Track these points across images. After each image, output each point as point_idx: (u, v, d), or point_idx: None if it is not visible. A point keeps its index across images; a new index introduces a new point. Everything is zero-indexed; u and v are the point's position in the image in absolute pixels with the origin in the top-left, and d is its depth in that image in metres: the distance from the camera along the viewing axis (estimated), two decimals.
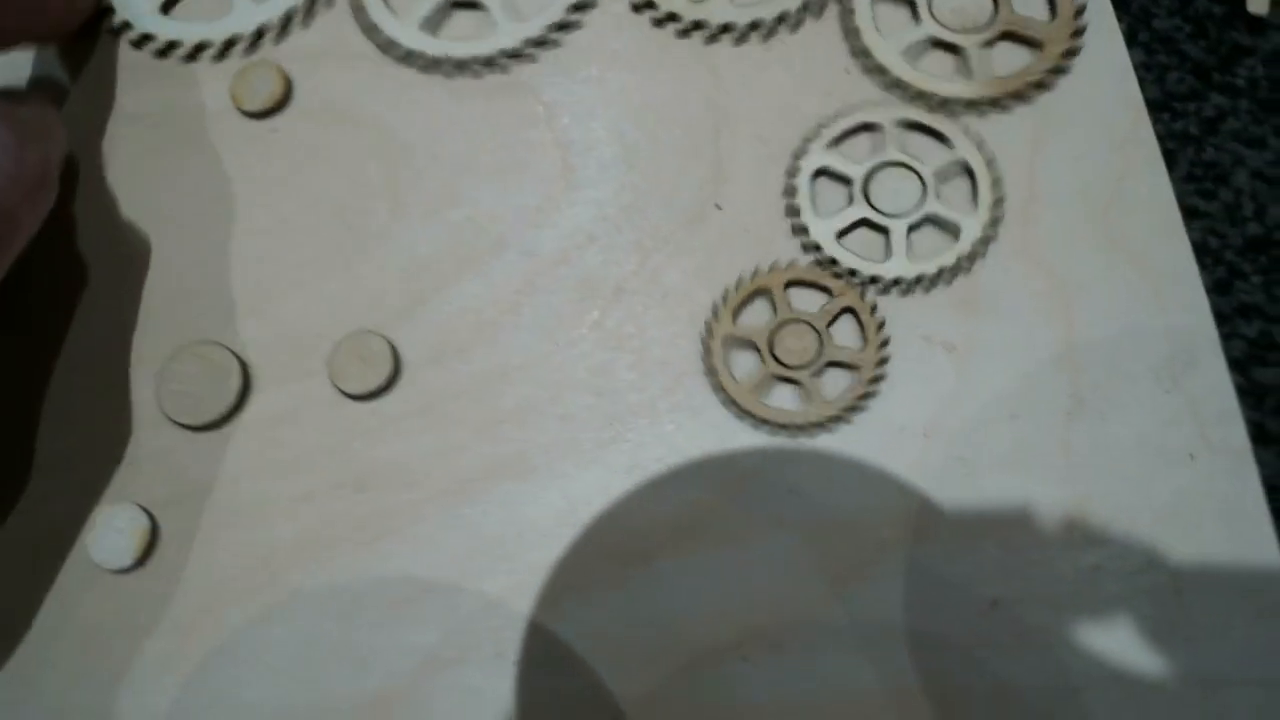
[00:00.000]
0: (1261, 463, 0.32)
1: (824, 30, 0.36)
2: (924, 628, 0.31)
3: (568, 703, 0.31)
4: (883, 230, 0.33)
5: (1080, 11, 0.35)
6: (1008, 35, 0.35)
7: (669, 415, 0.33)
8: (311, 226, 0.35)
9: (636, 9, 0.36)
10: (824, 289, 0.33)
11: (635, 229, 0.34)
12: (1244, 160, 0.34)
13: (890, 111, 0.34)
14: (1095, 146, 0.34)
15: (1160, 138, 0.35)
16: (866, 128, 0.34)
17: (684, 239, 0.34)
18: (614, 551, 0.32)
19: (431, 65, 0.36)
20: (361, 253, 0.35)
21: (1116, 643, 0.30)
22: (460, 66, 0.36)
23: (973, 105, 0.34)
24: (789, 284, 0.33)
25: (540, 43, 0.36)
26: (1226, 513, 0.31)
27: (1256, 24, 0.36)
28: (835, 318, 0.33)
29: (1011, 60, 0.35)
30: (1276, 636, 0.30)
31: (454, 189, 0.35)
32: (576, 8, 0.36)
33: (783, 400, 0.33)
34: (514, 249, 0.34)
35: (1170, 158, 0.34)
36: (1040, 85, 0.34)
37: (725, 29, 0.35)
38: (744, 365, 0.33)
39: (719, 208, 0.34)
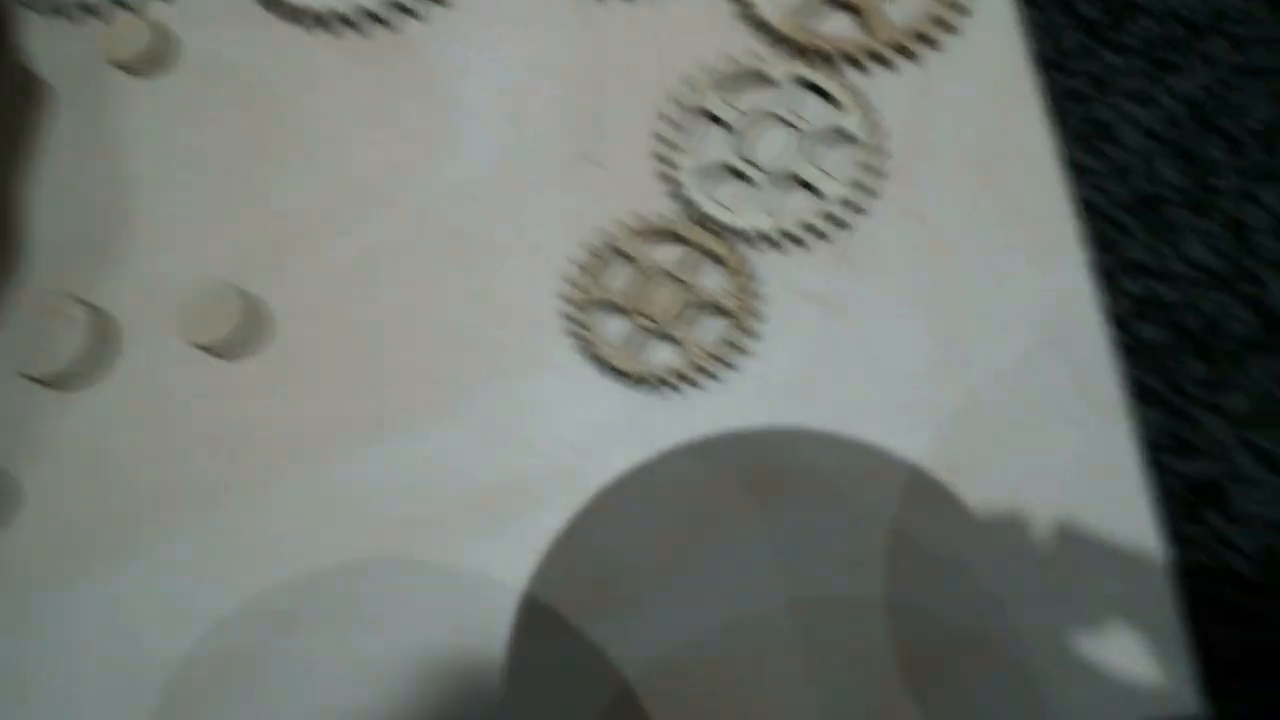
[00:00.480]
0: (1144, 421, 0.31)
1: None
2: (796, 591, 0.30)
3: (429, 666, 0.30)
4: (754, 182, 0.33)
5: None
6: None
7: (535, 371, 0.32)
8: (182, 181, 0.34)
9: None
10: (688, 240, 0.32)
11: (510, 186, 0.34)
12: (1135, 119, 0.33)
13: (775, 66, 0.33)
14: (981, 103, 0.33)
15: (1051, 95, 0.34)
16: (750, 79, 0.34)
17: (559, 195, 0.33)
18: (475, 509, 0.31)
19: (318, 22, 0.35)
20: (232, 207, 0.34)
21: (983, 603, 0.29)
22: (346, 23, 0.35)
23: (859, 62, 0.33)
24: (654, 236, 0.32)
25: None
26: (1101, 469, 0.30)
27: None
28: (702, 268, 0.32)
29: (902, 17, 0.34)
30: (1145, 593, 0.29)
31: (331, 145, 0.34)
32: None
33: (652, 354, 0.32)
34: (387, 204, 0.34)
35: (1060, 115, 0.33)
36: (929, 42, 0.34)
37: None
38: (613, 323, 0.32)
39: (596, 164, 0.34)
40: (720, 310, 0.32)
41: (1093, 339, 0.31)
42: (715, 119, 0.33)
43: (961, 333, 0.31)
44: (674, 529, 0.30)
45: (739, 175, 0.33)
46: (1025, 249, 0.32)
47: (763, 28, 0.34)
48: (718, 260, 0.32)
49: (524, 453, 0.31)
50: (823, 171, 0.32)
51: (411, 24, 0.35)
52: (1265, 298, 0.33)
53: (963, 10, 0.34)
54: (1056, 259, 0.32)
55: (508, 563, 0.30)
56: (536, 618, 0.30)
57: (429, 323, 0.33)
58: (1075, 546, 0.30)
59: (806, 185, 0.32)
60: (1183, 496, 0.31)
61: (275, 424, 0.32)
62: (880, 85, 0.34)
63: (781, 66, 0.33)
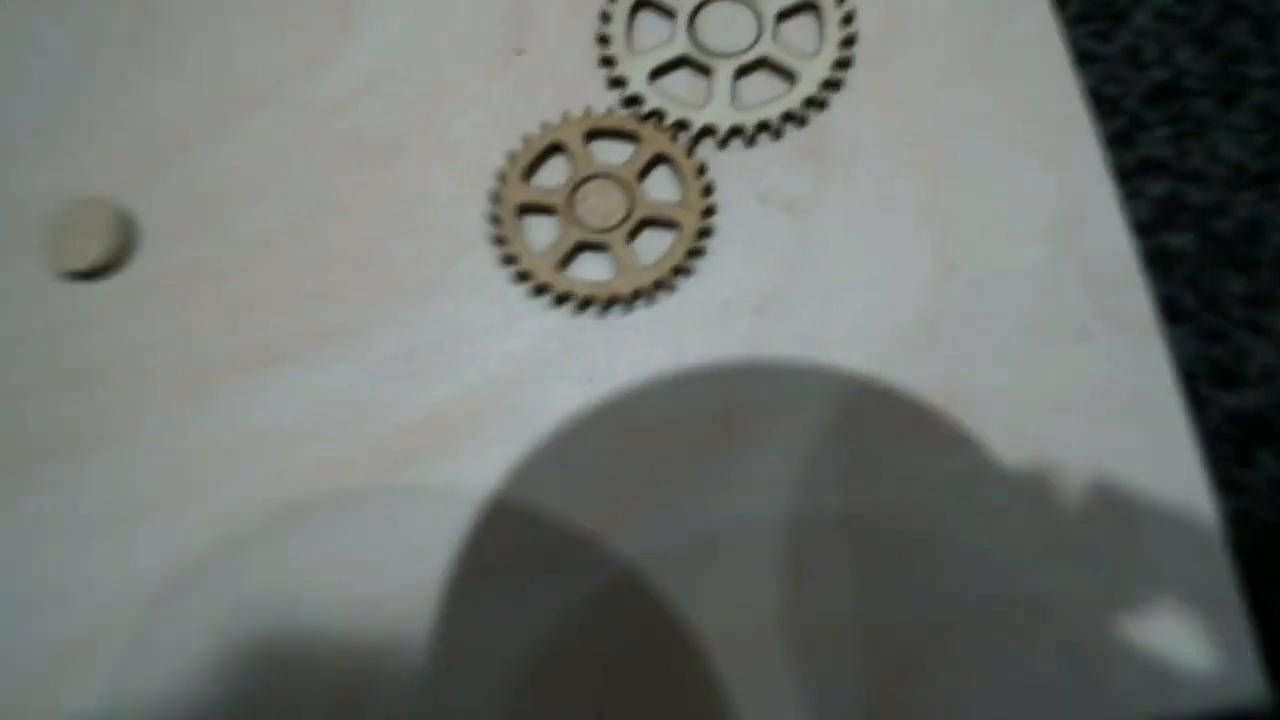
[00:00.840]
0: (1178, 346, 0.26)
1: None
2: (772, 543, 0.24)
3: (299, 648, 0.24)
4: (706, 71, 0.28)
5: None
6: None
7: (449, 293, 0.27)
8: (38, 82, 0.29)
9: None
10: (631, 136, 0.27)
11: (421, 78, 0.29)
12: None
13: None
14: None
15: None
16: None
17: (478, 89, 0.28)
18: (377, 454, 0.25)
19: None
20: (98, 110, 0.29)
21: (995, 568, 0.24)
22: None
23: None
24: (591, 134, 0.27)
25: None
26: (1130, 402, 0.25)
27: None
28: (646, 170, 0.27)
29: None
30: (1192, 556, 0.24)
31: (211, 35, 0.29)
32: None
33: (591, 270, 0.27)
34: (277, 103, 0.29)
35: None
36: None
37: None
38: (542, 232, 0.27)
39: (520, 53, 0.29)
40: (670, 221, 0.26)
41: (1114, 250, 0.26)
42: (659, 7, 0.28)
43: (957, 244, 0.26)
44: (625, 479, 0.25)
45: (690, 64, 0.28)
46: (1028, 145, 0.27)
47: None
48: (668, 162, 0.27)
49: (445, 386, 0.26)
50: (786, 54, 0.27)
51: None
52: None
53: None
54: (1066, 157, 0.27)
55: (429, 517, 0.25)
56: (467, 579, 0.24)
57: (329, 238, 0.27)
58: (1106, 498, 0.24)
59: (776, 67, 0.27)
60: (1229, 435, 0.26)
61: (150, 356, 0.27)
62: None
63: None
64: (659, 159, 0.27)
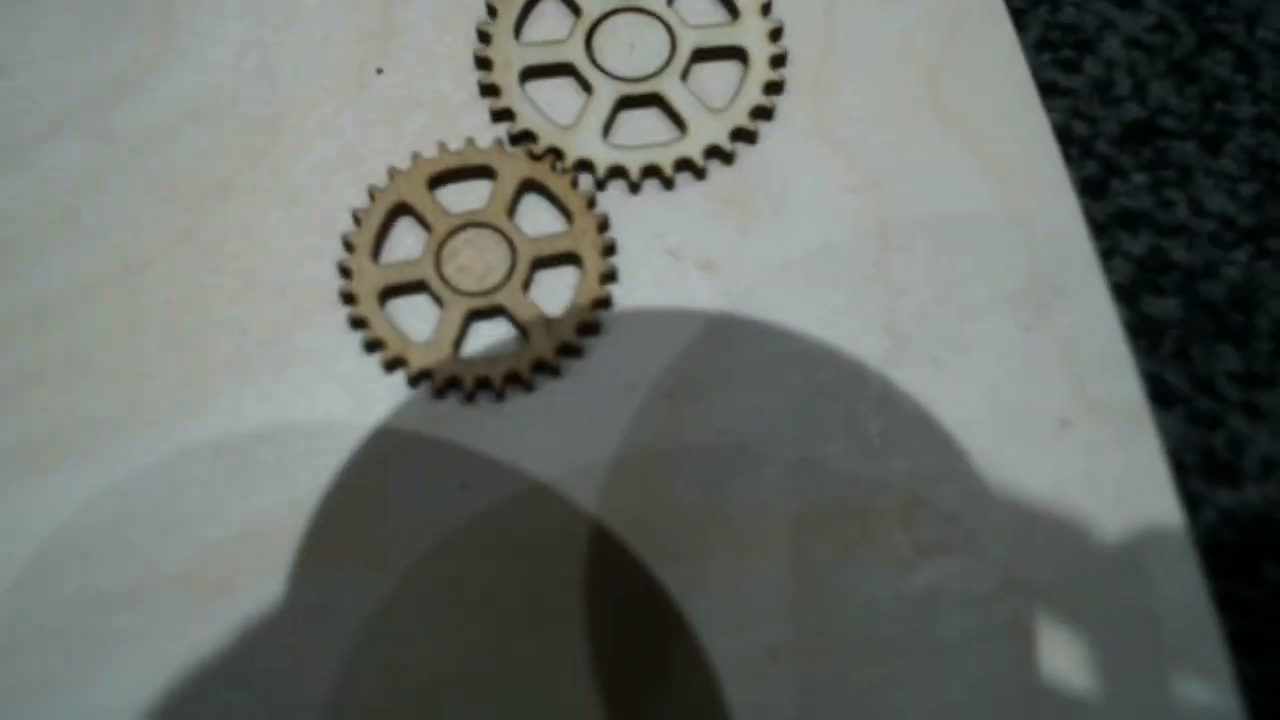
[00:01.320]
0: (1162, 429, 0.22)
1: None
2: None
3: None
4: (587, 89, 0.23)
5: None
6: None
7: (287, 369, 0.21)
8: None
9: None
10: (487, 172, 0.22)
11: (257, 102, 0.23)
12: (1114, 23, 0.25)
13: None
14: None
15: None
16: None
17: (328, 116, 0.23)
18: (185, 580, 0.20)
19: None
20: None
21: (958, 710, 0.19)
22: None
23: None
24: (437, 180, 0.22)
25: None
26: (1117, 501, 0.21)
27: None
28: (515, 201, 0.22)
29: None
30: (1196, 689, 0.19)
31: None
32: None
33: (489, 342, 0.21)
34: (77, 132, 0.23)
35: (1018, 19, 0.24)
36: None
37: None
38: (412, 306, 0.22)
39: (379, 71, 0.23)
40: (568, 256, 0.21)
41: (1095, 321, 0.22)
42: (568, 1, 0.23)
43: (910, 314, 0.22)
44: (500, 622, 0.20)
45: (583, 84, 0.23)
46: (992, 193, 0.23)
47: None
48: (541, 192, 0.22)
49: (273, 492, 0.20)
50: (693, 95, 0.23)
51: None
52: None
53: None
54: (1036, 207, 0.23)
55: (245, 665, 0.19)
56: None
57: (134, 300, 0.22)
58: (1092, 624, 0.20)
59: (668, 105, 0.23)
60: (1226, 540, 0.22)
61: None
62: None
63: None
64: (529, 187, 0.22)
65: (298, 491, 0.20)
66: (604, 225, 0.21)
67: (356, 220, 0.22)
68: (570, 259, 0.21)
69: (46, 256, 0.22)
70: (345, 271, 0.21)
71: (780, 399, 0.21)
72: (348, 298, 0.21)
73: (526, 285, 0.21)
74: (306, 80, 0.23)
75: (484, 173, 0.22)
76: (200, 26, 0.24)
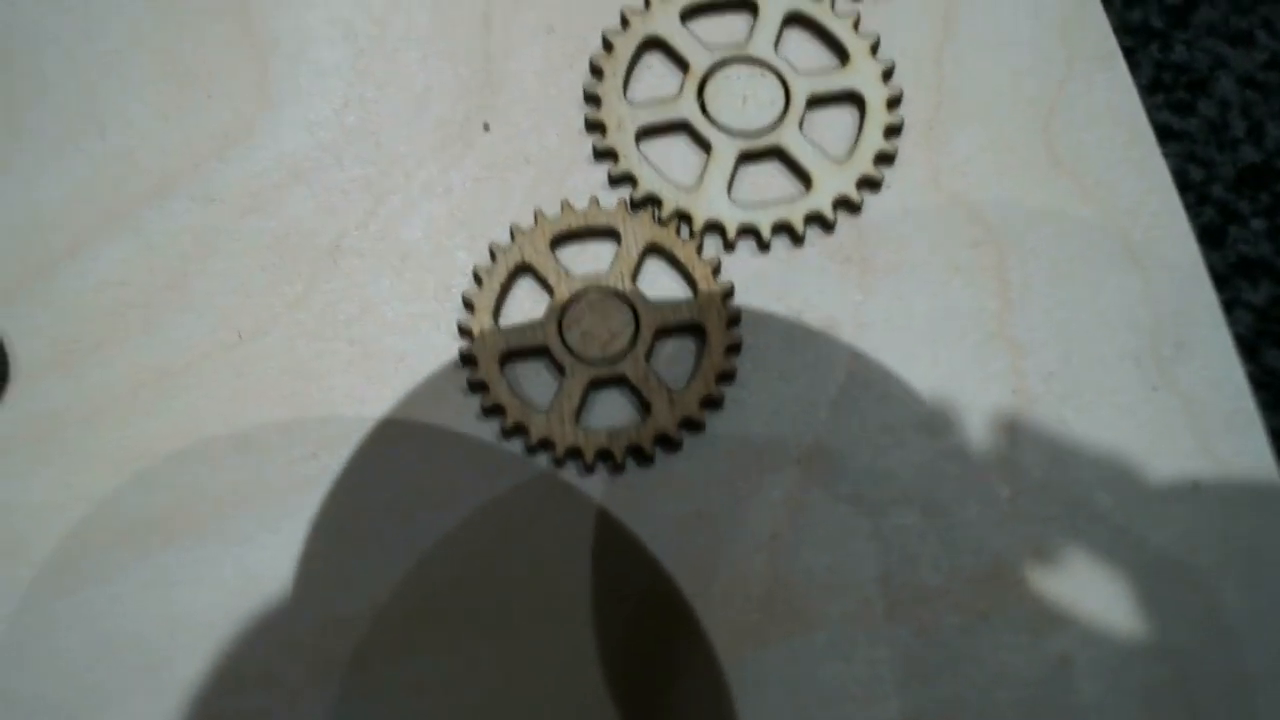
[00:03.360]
0: None
1: None
2: None
3: None
4: (705, 147, 0.22)
5: None
6: None
7: (408, 438, 0.21)
8: None
9: None
10: (610, 233, 0.22)
11: (364, 161, 0.23)
12: (1226, 61, 0.24)
13: None
14: (1027, 33, 0.24)
15: (1114, 32, 0.25)
16: (720, 5, 0.24)
17: (435, 174, 0.23)
18: (317, 653, 0.20)
19: None
20: None
21: None
22: None
23: None
24: (563, 238, 0.22)
25: None
26: (1248, 565, 0.20)
27: None
28: (640, 265, 0.22)
29: None
30: None
31: (98, 108, 0.23)
32: None
33: (609, 410, 0.21)
34: (183, 194, 0.23)
35: (1128, 58, 0.24)
36: None
37: None
38: (532, 371, 0.21)
39: (487, 128, 0.23)
40: (691, 327, 0.21)
41: (1221, 376, 0.22)
42: (672, 56, 0.23)
43: (1033, 372, 0.22)
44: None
45: (699, 141, 0.22)
46: (1110, 243, 0.22)
47: None
48: (666, 257, 0.22)
49: (391, 565, 0.20)
50: (813, 145, 0.22)
51: None
52: None
53: None
54: (1156, 257, 0.22)
55: None
56: None
57: (249, 367, 0.21)
58: (1237, 693, 0.20)
59: (793, 161, 0.22)
60: None
61: (17, 526, 0.21)
62: (891, 12, 0.24)
63: None
64: (653, 251, 0.22)
65: (422, 561, 0.20)
66: (729, 294, 0.21)
67: (478, 279, 0.21)
68: (694, 329, 0.21)
69: (155, 326, 0.22)
70: (465, 332, 0.21)
71: (909, 464, 0.21)
72: (467, 359, 0.21)
73: (650, 354, 0.21)
74: (410, 137, 0.23)
75: (607, 234, 0.22)
76: (299, 83, 0.23)
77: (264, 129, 0.23)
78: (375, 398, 0.21)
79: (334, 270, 0.22)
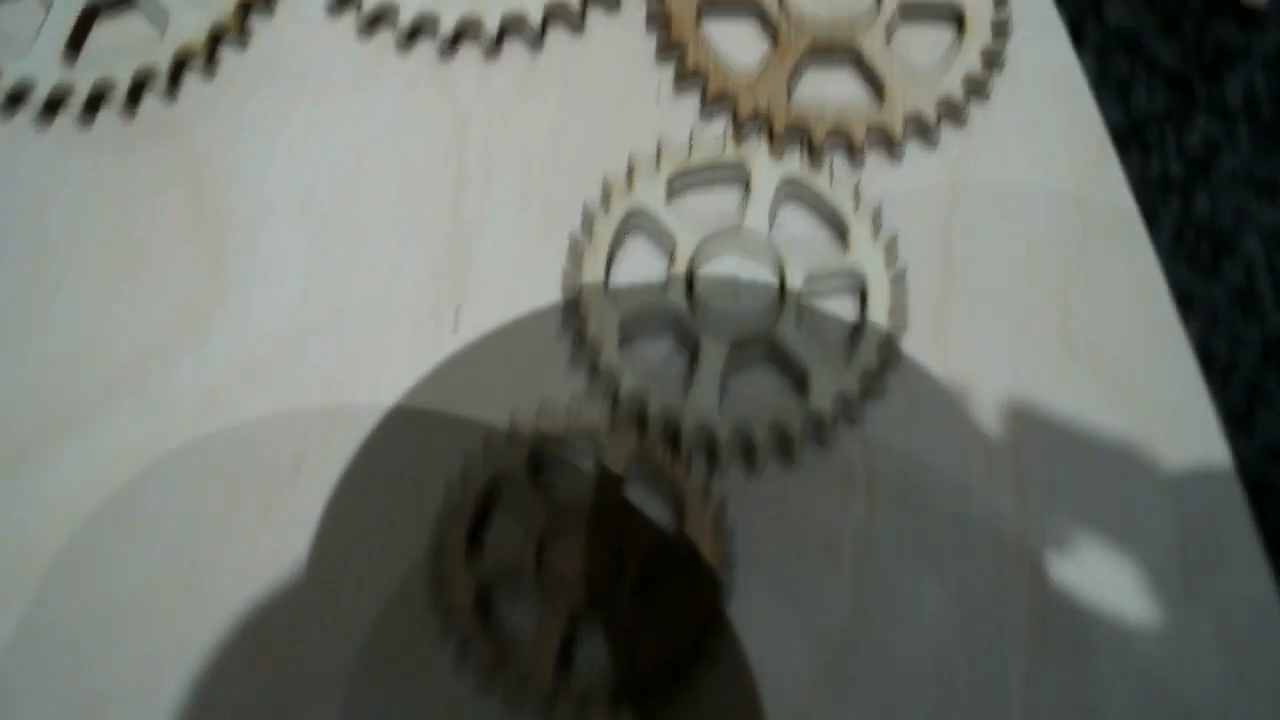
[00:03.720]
0: None
1: (625, 27, 0.23)
2: None
3: None
4: (691, 348, 0.21)
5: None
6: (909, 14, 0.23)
7: (384, 681, 0.20)
8: None
9: (334, 8, 0.23)
10: (592, 449, 0.20)
11: (326, 358, 0.21)
12: (1251, 214, 0.23)
13: (748, 156, 0.22)
14: (1038, 200, 0.22)
15: (1130, 185, 0.23)
16: (707, 174, 0.22)
17: (403, 374, 0.21)
18: None
19: (11, 103, 0.22)
20: None
21: None
22: (91, 105, 0.22)
23: (856, 148, 0.22)
24: (537, 459, 0.20)
25: (181, 63, 0.22)
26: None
27: (1248, 16, 0.24)
28: (623, 488, 0.20)
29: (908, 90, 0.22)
30: None
31: (43, 298, 0.21)
32: (242, 10, 0.23)
33: (593, 652, 0.20)
34: (135, 396, 0.21)
35: (1145, 214, 0.22)
36: (952, 112, 0.22)
37: (464, 32, 0.22)
38: (510, 606, 0.20)
39: (458, 316, 0.21)
40: (680, 561, 0.20)
41: (1256, 593, 0.20)
42: (656, 234, 0.21)
43: (1054, 589, 0.20)
44: None
45: (688, 335, 0.21)
46: (1135, 442, 0.21)
47: (710, 84, 0.22)
48: (660, 480, 0.20)
49: None
50: (813, 344, 0.21)
51: (160, 103, 0.23)
52: None
53: (998, 65, 0.23)
54: (1185, 457, 0.21)
55: None
56: None
57: (206, 604, 0.20)
58: None
59: (788, 360, 0.21)
60: None
61: None
62: (885, 178, 0.22)
63: (756, 157, 0.22)
64: (652, 479, 0.20)
65: None
66: (717, 517, 0.20)
67: (450, 505, 0.20)
68: (683, 566, 0.19)
69: (107, 549, 0.20)
70: (436, 574, 0.20)
71: (920, 710, 0.19)
72: (440, 585, 0.19)
73: (636, 588, 0.19)
74: (375, 330, 0.21)
75: (589, 446, 0.20)
76: (257, 268, 0.22)
77: (218, 322, 0.21)
78: (353, 632, 0.20)
79: (295, 487, 0.20)
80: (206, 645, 0.20)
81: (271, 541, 0.20)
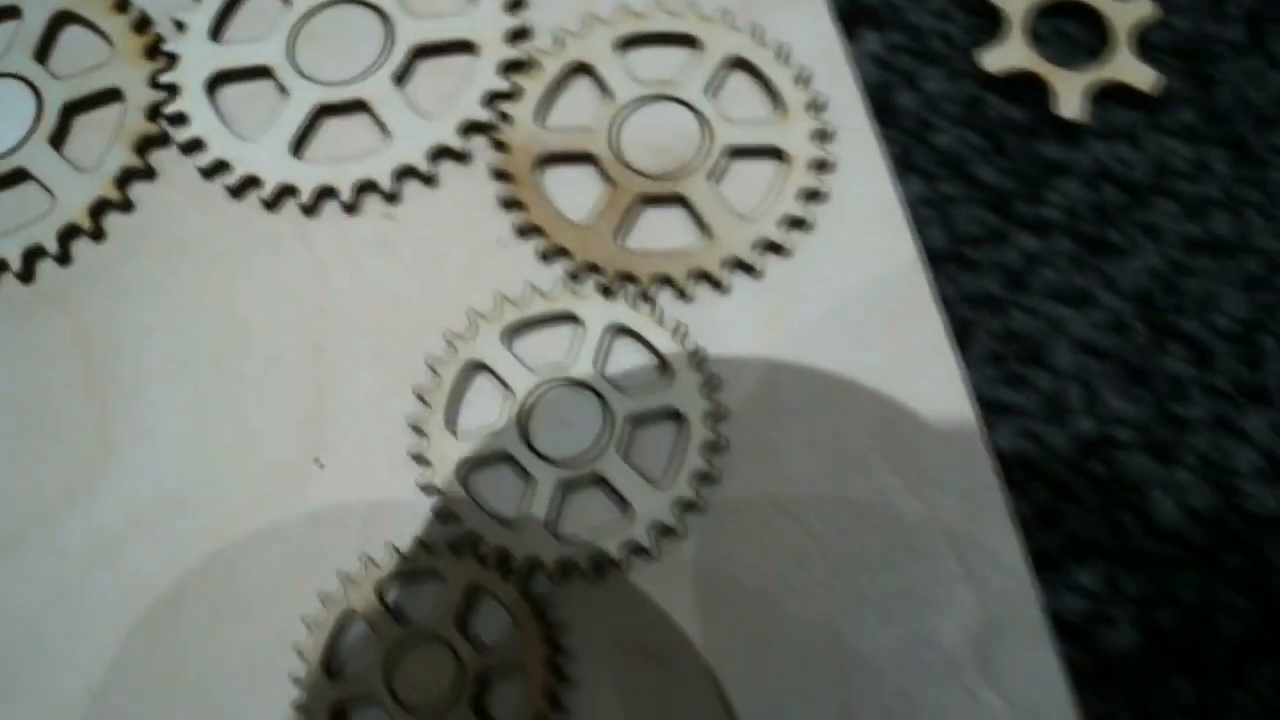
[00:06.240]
0: None
1: (474, 179, 0.25)
2: None
3: None
4: (527, 477, 0.23)
5: (817, 111, 0.25)
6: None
7: None
8: None
9: (207, 174, 0.25)
10: (436, 575, 0.22)
11: (204, 508, 0.23)
12: (1064, 325, 0.24)
13: (577, 301, 0.24)
14: (856, 330, 0.24)
15: (948, 303, 0.25)
16: (542, 320, 0.24)
17: (274, 514, 0.23)
18: None
19: None
20: None
21: None
22: None
23: (682, 289, 0.24)
24: (388, 584, 0.22)
25: (70, 235, 0.25)
26: None
27: (1070, 131, 0.26)
28: (465, 610, 0.22)
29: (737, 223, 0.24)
30: None
31: None
32: (123, 179, 0.25)
33: None
34: (27, 548, 0.23)
35: (965, 331, 0.24)
36: (772, 248, 0.24)
37: (323, 195, 0.25)
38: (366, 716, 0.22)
39: (320, 464, 0.23)
40: (514, 668, 0.22)
41: (1042, 669, 0.22)
42: (497, 379, 0.23)
43: (862, 685, 0.22)
44: None
45: (521, 471, 0.23)
46: (939, 542, 0.23)
47: (546, 238, 0.24)
48: (487, 595, 0.22)
49: None
50: (637, 474, 0.23)
51: (51, 271, 0.25)
52: (1265, 572, 0.24)
53: (820, 198, 0.25)
54: (981, 551, 0.23)
55: None
56: None
57: None
58: None
59: (612, 485, 0.23)
60: None
61: None
62: (709, 312, 0.24)
63: (585, 304, 0.24)
64: (476, 591, 0.22)
65: None
66: (551, 638, 0.22)
67: (310, 630, 0.22)
68: (519, 669, 0.22)
69: (13, 686, 0.23)
70: (298, 682, 0.22)
71: None
72: (302, 711, 0.22)
73: (474, 701, 0.22)
74: (247, 478, 0.23)
75: (435, 576, 0.22)
76: (139, 427, 0.24)
77: (104, 478, 0.24)
78: None
79: (176, 626, 0.23)
80: None
81: (156, 672, 0.22)
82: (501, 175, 0.25)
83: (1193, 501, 0.24)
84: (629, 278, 0.24)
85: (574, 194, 0.25)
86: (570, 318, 0.24)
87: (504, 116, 0.25)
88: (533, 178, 0.25)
